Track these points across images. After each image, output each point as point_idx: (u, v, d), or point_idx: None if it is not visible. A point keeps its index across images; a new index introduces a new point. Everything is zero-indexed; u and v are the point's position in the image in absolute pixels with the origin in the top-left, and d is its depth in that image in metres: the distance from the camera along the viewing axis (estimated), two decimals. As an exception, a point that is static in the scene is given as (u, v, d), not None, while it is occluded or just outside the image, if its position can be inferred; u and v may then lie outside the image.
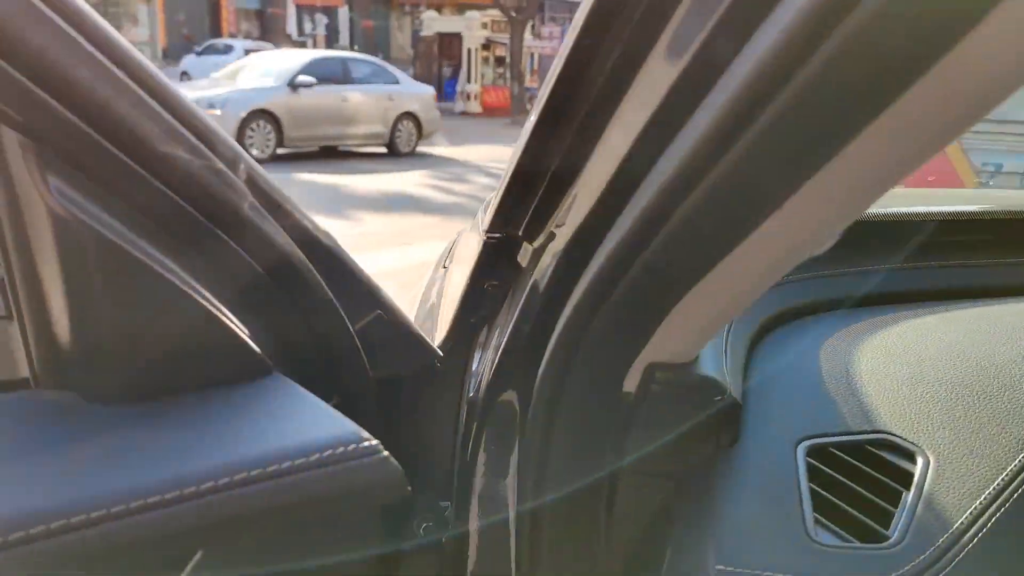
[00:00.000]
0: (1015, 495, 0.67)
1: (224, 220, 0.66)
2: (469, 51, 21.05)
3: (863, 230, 0.94)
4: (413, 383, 0.86)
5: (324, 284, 0.74)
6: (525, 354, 0.74)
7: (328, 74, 11.32)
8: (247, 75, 11.21)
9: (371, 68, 12.15)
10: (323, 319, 0.75)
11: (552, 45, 21.37)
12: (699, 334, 0.69)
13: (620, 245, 0.59)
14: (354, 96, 11.44)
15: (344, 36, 25.59)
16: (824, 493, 0.71)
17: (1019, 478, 0.68)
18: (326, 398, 0.69)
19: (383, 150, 12.02)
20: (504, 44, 20.61)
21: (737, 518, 0.72)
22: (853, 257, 1.01)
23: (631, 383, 0.70)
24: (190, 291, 0.64)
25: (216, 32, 24.25)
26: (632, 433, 0.72)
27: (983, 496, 0.68)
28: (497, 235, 0.81)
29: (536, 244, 0.76)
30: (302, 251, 0.72)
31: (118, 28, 0.80)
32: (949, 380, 0.79)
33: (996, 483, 0.68)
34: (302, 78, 10.90)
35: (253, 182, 0.69)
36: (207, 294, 0.66)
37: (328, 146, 11.62)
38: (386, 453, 0.64)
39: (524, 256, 0.80)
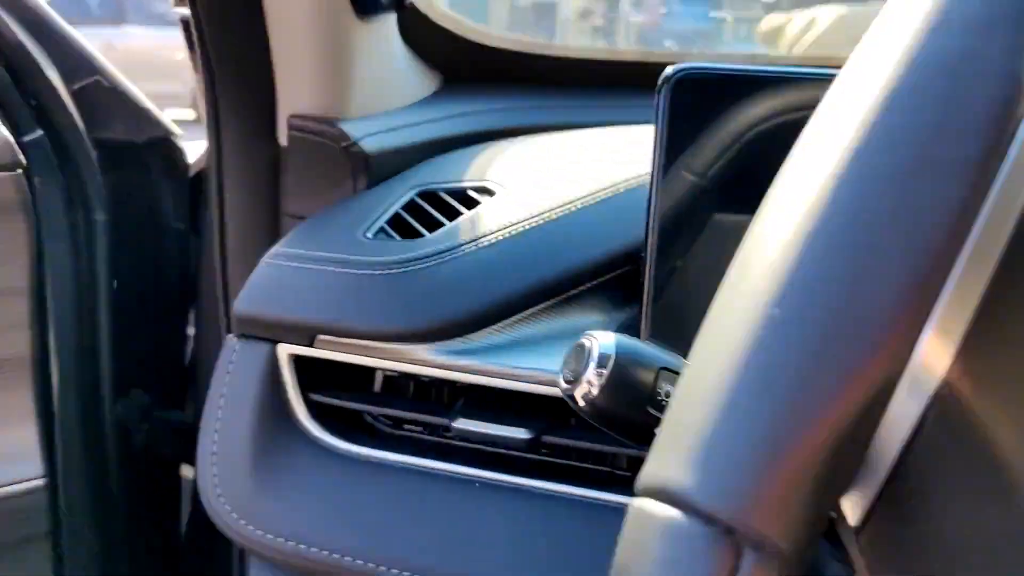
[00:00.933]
0: (549, 219, 0.76)
1: None
2: (564, 21, 17.97)
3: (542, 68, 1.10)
4: (149, 155, 1.07)
5: (18, 34, 0.93)
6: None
7: (89, 11, 8.56)
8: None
9: (165, 5, 9.19)
10: (16, 62, 0.93)
11: (650, 17, 17.84)
12: (323, 87, 0.86)
13: None
14: (127, 43, 8.52)
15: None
16: (405, 216, 0.81)
17: (564, 207, 0.76)
18: (25, 129, 0.92)
19: (190, 115, 9.00)
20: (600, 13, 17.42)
21: (319, 223, 0.83)
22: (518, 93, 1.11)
23: (283, 137, 0.88)
24: None
25: None
26: (289, 178, 0.89)
27: (522, 215, 0.76)
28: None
29: None
30: (6, 14, 0.93)
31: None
32: (552, 156, 0.90)
33: (542, 209, 0.76)
34: (32, 14, 8.24)
35: None
36: None
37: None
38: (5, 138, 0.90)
39: None
